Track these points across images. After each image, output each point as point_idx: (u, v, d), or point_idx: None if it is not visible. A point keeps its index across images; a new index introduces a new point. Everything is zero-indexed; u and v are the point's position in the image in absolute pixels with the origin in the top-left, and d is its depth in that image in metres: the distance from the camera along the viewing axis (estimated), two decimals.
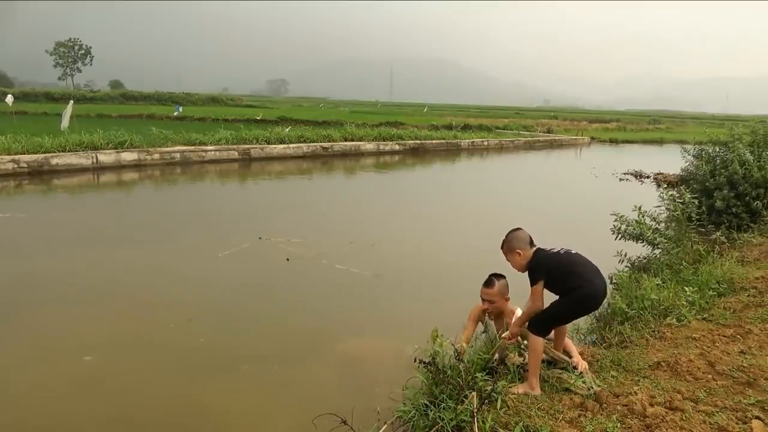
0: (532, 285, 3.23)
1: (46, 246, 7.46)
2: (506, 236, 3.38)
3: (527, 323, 3.27)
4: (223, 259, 6.97)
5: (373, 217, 10.36)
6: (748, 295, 4.80)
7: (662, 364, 3.43)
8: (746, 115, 78.71)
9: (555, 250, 3.28)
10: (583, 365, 3.37)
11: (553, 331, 3.41)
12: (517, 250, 3.28)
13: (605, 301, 4.61)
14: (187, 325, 5.02)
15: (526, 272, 3.29)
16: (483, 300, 3.83)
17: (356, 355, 4.57)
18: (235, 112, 38.60)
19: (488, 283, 3.79)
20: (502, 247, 3.41)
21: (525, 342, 3.62)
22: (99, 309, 5.35)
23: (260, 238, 7.86)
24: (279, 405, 3.86)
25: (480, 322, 4.00)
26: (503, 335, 3.57)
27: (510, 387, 3.14)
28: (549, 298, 3.28)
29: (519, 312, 3.85)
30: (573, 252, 3.29)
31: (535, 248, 3.32)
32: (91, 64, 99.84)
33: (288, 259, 7.00)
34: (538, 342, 3.19)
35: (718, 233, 6.91)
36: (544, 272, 3.18)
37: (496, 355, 3.50)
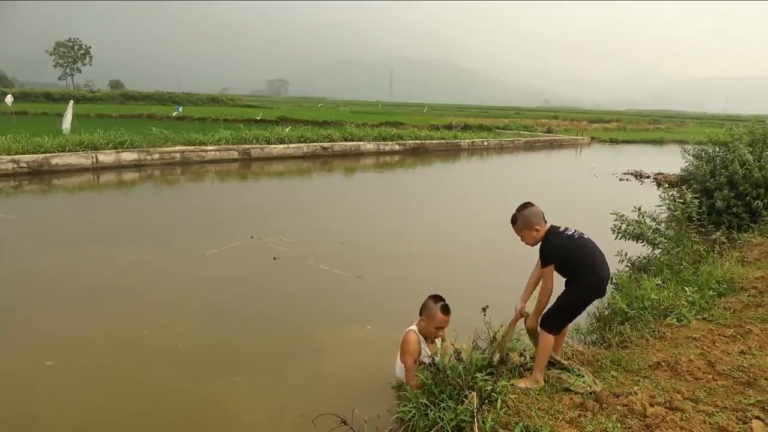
0: (542, 267, 3.25)
1: (32, 246, 7.39)
2: (520, 211, 3.31)
3: (539, 319, 3.27)
4: (210, 258, 6.97)
5: (369, 218, 10.34)
6: (748, 295, 4.80)
7: (662, 364, 3.43)
8: (746, 115, 78.68)
9: (569, 233, 3.24)
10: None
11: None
12: (536, 227, 3.25)
13: (606, 301, 4.64)
14: (173, 326, 4.97)
15: (538, 246, 3.30)
16: (438, 329, 3.65)
17: (334, 356, 4.51)
18: (235, 112, 38.57)
19: (448, 310, 3.64)
20: (514, 223, 3.34)
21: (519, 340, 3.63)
22: (77, 309, 5.29)
23: (252, 237, 7.86)
24: (278, 405, 3.85)
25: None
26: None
27: (512, 382, 3.15)
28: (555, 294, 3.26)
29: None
30: (585, 237, 3.27)
31: (548, 225, 3.30)
32: (90, 64, 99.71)
33: (275, 258, 7.00)
34: (548, 340, 3.22)
35: (719, 233, 6.89)
36: (557, 257, 3.19)
37: (497, 355, 3.46)
